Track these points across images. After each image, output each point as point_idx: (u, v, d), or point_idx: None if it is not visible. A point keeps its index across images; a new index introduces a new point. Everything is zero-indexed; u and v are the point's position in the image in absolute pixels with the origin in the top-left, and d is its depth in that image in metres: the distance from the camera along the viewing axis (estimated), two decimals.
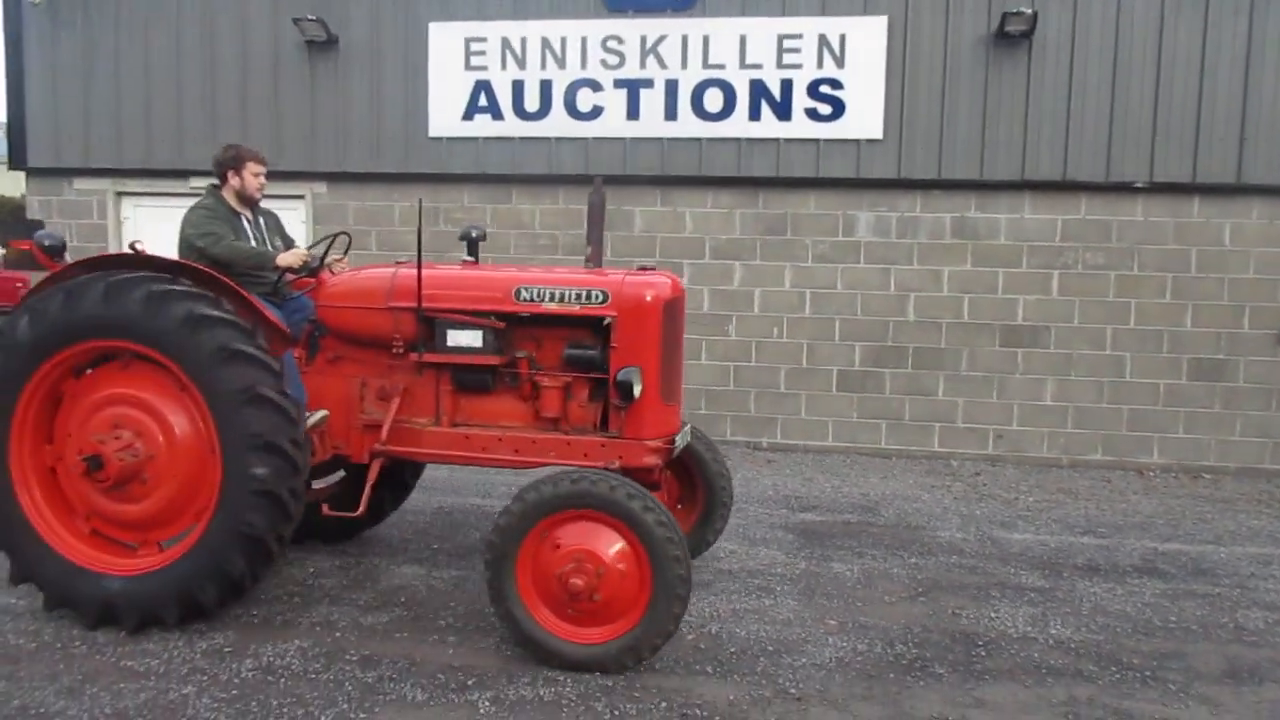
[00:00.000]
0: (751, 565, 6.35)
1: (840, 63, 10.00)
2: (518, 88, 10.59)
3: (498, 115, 10.66)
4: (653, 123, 10.41)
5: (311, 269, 5.59)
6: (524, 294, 5.21)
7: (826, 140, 10.10)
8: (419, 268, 5.12)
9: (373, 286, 5.40)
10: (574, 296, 5.16)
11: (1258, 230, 9.53)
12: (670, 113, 10.36)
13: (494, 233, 10.80)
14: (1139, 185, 9.61)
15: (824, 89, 10.04)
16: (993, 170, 9.85)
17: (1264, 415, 9.69)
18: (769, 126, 10.19)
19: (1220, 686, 4.76)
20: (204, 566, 4.89)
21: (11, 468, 5.09)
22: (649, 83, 10.36)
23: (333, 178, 11.15)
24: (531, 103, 10.58)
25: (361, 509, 5.30)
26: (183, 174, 11.41)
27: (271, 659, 4.79)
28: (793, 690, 4.55)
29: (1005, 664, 4.95)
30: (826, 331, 10.40)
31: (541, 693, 4.50)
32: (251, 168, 5.84)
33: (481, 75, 10.64)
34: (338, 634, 5.09)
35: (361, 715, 4.26)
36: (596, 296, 5.13)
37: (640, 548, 4.53)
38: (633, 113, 10.43)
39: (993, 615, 5.59)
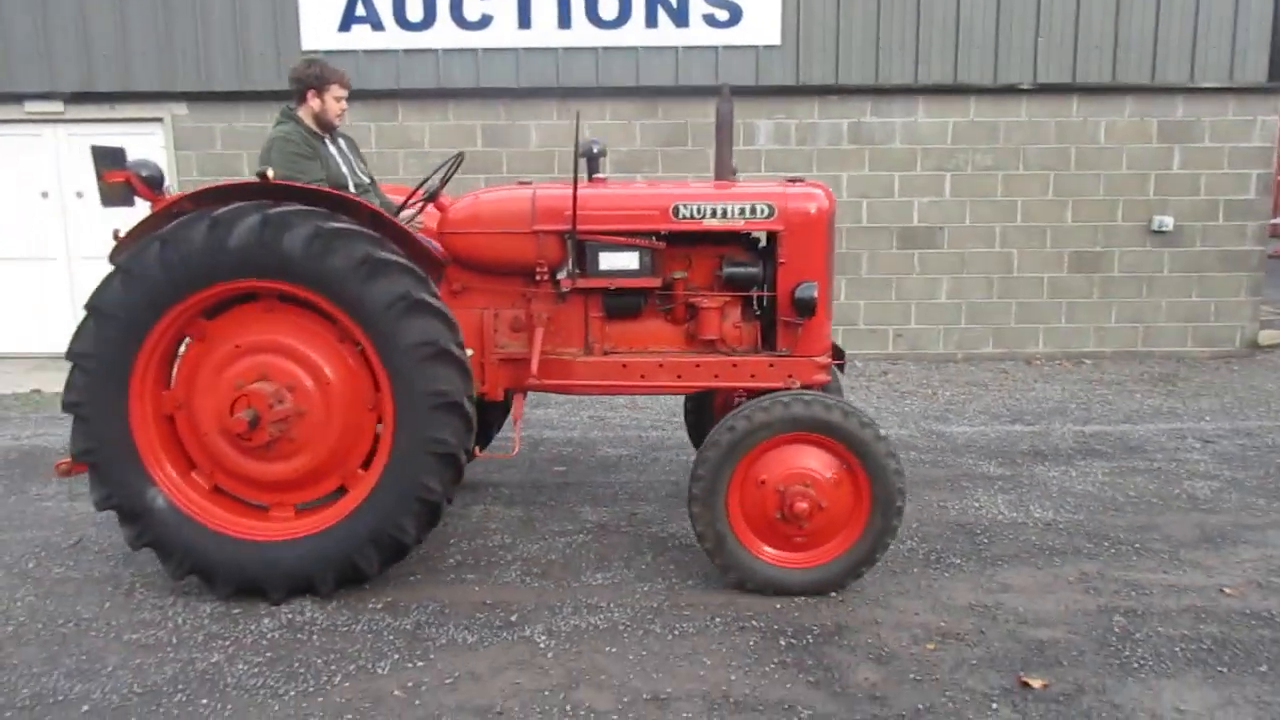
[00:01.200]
0: None
1: None
2: None
3: (378, 26, 10.00)
4: (545, 32, 10.01)
5: (431, 194, 5.13)
6: (683, 210, 4.89)
7: (725, 47, 10.00)
8: (574, 187, 4.73)
9: (513, 209, 4.95)
10: (737, 211, 4.90)
11: (1129, 127, 10.12)
12: (564, 21, 9.99)
13: (381, 152, 10.23)
14: (1025, 87, 10.00)
15: None
16: (888, 75, 10.02)
17: (1136, 302, 10.44)
18: (666, 34, 9.99)
19: (1202, 551, 5.16)
20: (369, 531, 4.51)
21: (132, 416, 4.50)
22: None
23: (194, 98, 10.23)
24: (414, 12, 9.97)
25: (516, 449, 4.98)
26: (14, 98, 10.20)
27: (290, 615, 4.48)
28: (834, 593, 4.62)
29: (1010, 549, 5.19)
30: None
31: (592, 620, 4.40)
32: (335, 90, 5.37)
33: None
34: None
35: (419, 664, 4.05)
36: (762, 210, 4.90)
37: (859, 464, 4.49)
38: (524, 21, 10.00)
39: (976, 505, 5.85)
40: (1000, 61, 9.96)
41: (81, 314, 4.53)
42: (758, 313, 5.15)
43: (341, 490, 4.69)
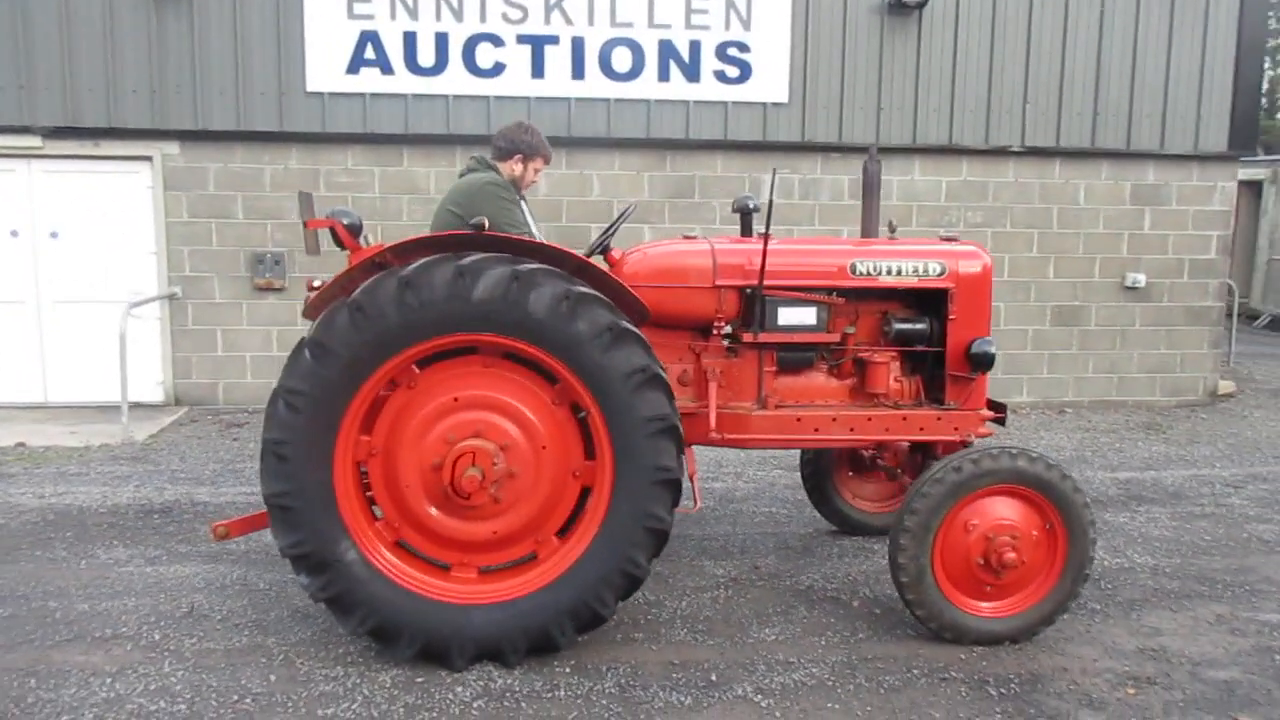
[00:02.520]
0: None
1: (746, 25, 10.11)
2: (409, 39, 9.80)
3: (387, 69, 9.82)
4: (559, 81, 10.03)
5: (603, 248, 5.04)
6: (860, 268, 5.05)
7: (734, 103, 10.22)
8: (765, 244, 4.73)
9: (696, 264, 4.99)
10: (911, 270, 5.06)
11: (1106, 190, 10.78)
12: (577, 71, 10.02)
13: (385, 196, 10.02)
14: (1014, 149, 10.55)
15: (731, 51, 10.13)
16: (887, 135, 10.41)
17: (1110, 353, 11.05)
18: (678, 88, 10.14)
19: None
20: (569, 602, 4.38)
21: (336, 460, 4.28)
22: (554, 39, 9.96)
23: (187, 136, 9.80)
24: (426, 56, 9.84)
25: (697, 503, 4.87)
26: None
27: (480, 682, 4.30)
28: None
29: (1136, 594, 5.42)
30: None
31: (794, 678, 4.39)
32: (539, 163, 5.40)
33: (367, 25, 9.74)
34: None
35: None
36: (934, 269, 5.09)
37: (1062, 526, 4.64)
38: (537, 71, 9.99)
39: None
40: (991, 125, 10.49)
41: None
42: (921, 368, 5.29)
43: (531, 556, 4.55)
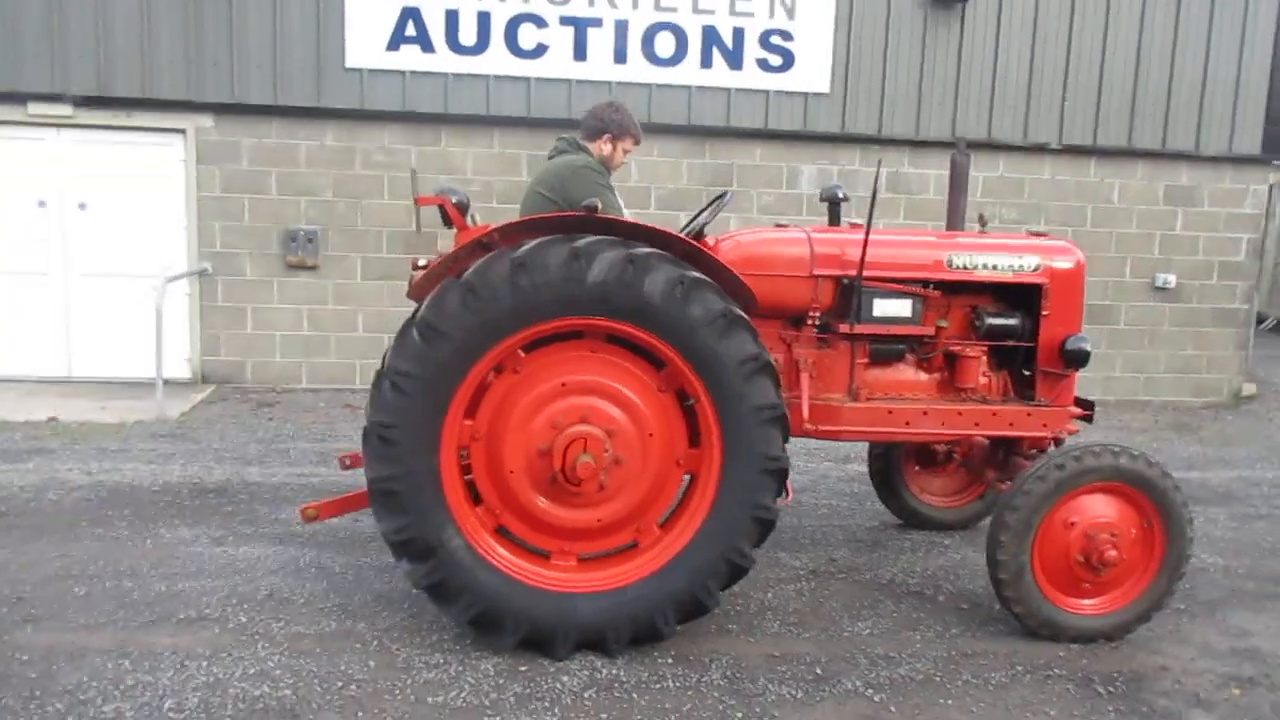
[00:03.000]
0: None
1: (790, 13, 10.04)
2: (451, 18, 9.66)
3: (428, 47, 9.68)
4: (601, 65, 9.92)
5: (698, 232, 4.96)
6: (956, 261, 5.01)
7: (776, 92, 10.15)
8: (866, 234, 4.67)
9: (793, 254, 4.94)
10: (1006, 264, 5.01)
11: (1140, 189, 10.80)
12: (620, 55, 9.92)
13: (421, 176, 9.84)
14: (1052, 147, 10.54)
15: (774, 40, 10.06)
16: (927, 129, 10.38)
17: (1139, 353, 11.09)
18: (720, 75, 10.06)
19: None
20: (675, 591, 4.34)
21: (443, 444, 4.21)
22: (597, 22, 9.85)
23: (222, 109, 9.63)
24: (467, 35, 9.70)
25: (789, 495, 4.76)
26: (18, 98, 9.36)
27: (585, 672, 4.24)
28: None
29: (1214, 593, 5.43)
30: None
31: (900, 672, 4.36)
32: (628, 143, 5.28)
33: (409, 1, 9.58)
34: None
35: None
36: (1029, 264, 5.06)
37: (1160, 525, 4.63)
38: (579, 53, 9.88)
39: None
40: (1030, 122, 10.48)
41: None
42: (1009, 363, 5.26)
43: (631, 544, 4.49)
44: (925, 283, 5.05)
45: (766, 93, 10.14)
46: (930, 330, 5.08)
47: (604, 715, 3.91)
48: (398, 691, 4.03)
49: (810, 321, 4.96)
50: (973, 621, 4.92)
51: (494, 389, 4.32)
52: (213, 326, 9.96)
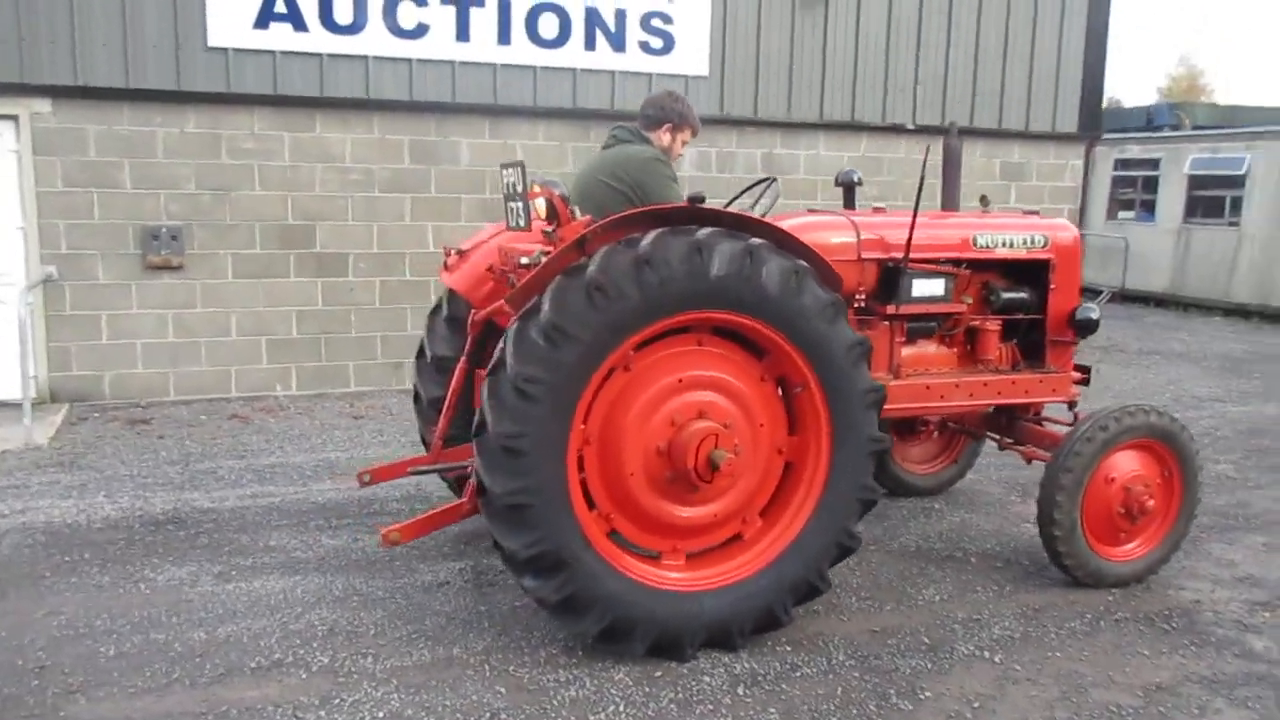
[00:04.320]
0: None
1: None
2: None
3: (300, 25, 9.00)
4: (484, 46, 9.58)
5: None
6: (980, 240, 5.24)
7: (658, 74, 10.17)
8: (913, 218, 4.70)
9: (838, 238, 5.02)
10: (1021, 241, 5.27)
11: (981, 165, 11.69)
12: (503, 36, 9.62)
13: (295, 165, 9.21)
14: (908, 127, 11.22)
15: (655, 22, 10.08)
16: (798, 111, 10.76)
17: None
18: (604, 57, 9.98)
19: None
20: (792, 579, 4.34)
21: (570, 450, 3.99)
22: (480, 1, 9.49)
23: (63, 93, 8.54)
24: (343, 13, 9.10)
25: None
26: None
27: (722, 669, 4.19)
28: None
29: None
30: None
31: (1000, 632, 4.60)
32: (686, 136, 5.11)
33: None
34: None
35: (905, 705, 4.02)
36: (1039, 241, 5.38)
37: (1179, 474, 5.09)
38: (462, 34, 9.50)
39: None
40: (888, 104, 11.09)
41: None
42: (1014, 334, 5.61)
43: (736, 536, 4.45)
44: (956, 262, 5.30)
45: (649, 75, 10.14)
46: (961, 308, 5.35)
47: (772, 710, 3.89)
48: (554, 715, 3.82)
49: (856, 304, 5.09)
50: (1017, 578, 5.24)
51: (606, 390, 4.15)
52: (60, 338, 8.83)
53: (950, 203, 5.85)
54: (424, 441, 5.60)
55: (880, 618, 4.74)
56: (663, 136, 5.09)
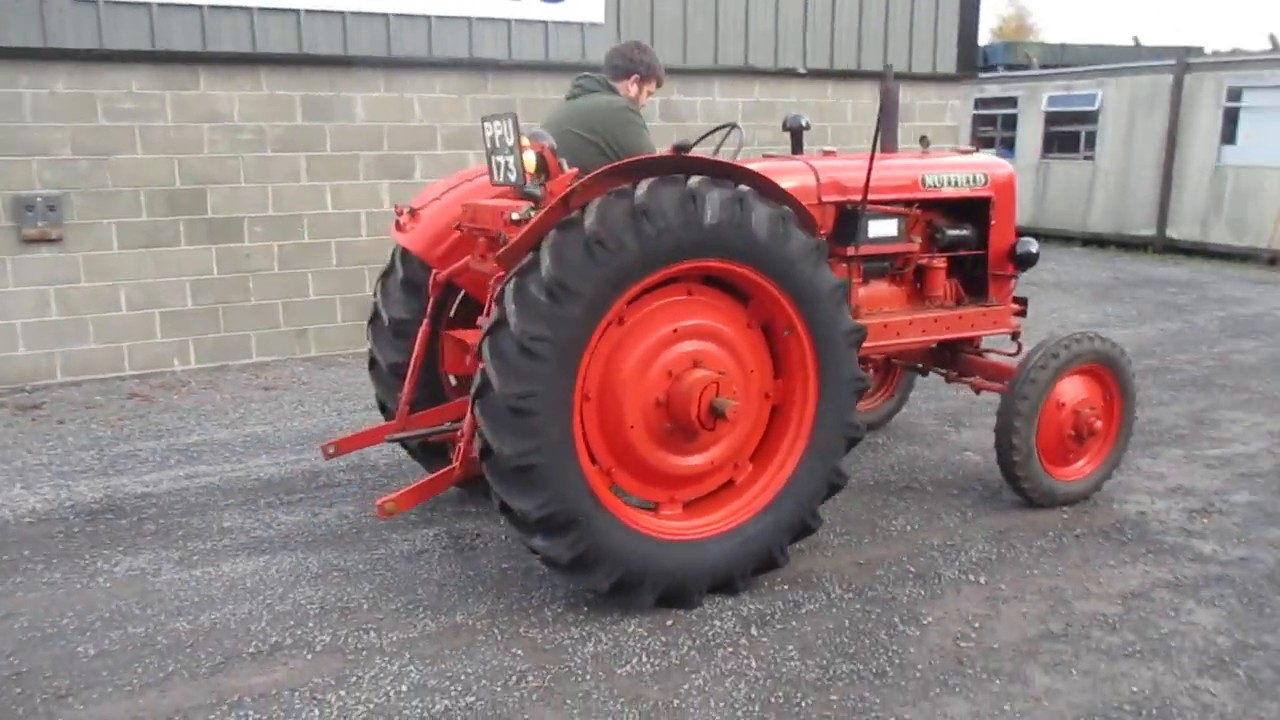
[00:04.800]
0: None
1: None
2: None
3: None
4: None
5: None
6: (929, 180, 5.31)
7: (554, 22, 9.99)
8: (871, 160, 4.72)
9: (799, 182, 4.98)
10: (965, 180, 5.36)
11: (866, 108, 11.96)
12: None
13: (180, 125, 8.68)
14: (799, 71, 11.36)
15: None
16: (694, 58, 10.75)
17: None
18: (500, 5, 9.71)
19: None
20: (787, 520, 4.45)
21: (575, 406, 3.92)
22: None
23: None
24: None
25: None
26: None
27: (730, 613, 4.26)
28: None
29: None
30: None
31: (975, 555, 4.82)
32: (652, 87, 5.06)
33: None
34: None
35: (912, 631, 4.19)
36: (979, 179, 5.47)
37: (1119, 394, 5.38)
38: None
39: None
40: (779, 50, 11.20)
41: None
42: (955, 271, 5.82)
43: (729, 482, 4.50)
44: (907, 202, 5.44)
45: (545, 23, 9.93)
46: (914, 247, 5.49)
47: (789, 646, 3.99)
48: (580, 673, 3.81)
49: None
50: (976, 504, 5.49)
51: (603, 344, 4.11)
52: None
53: (889, 145, 5.96)
54: (382, 408, 5.43)
55: (861, 550, 4.89)
56: (630, 87, 5.03)
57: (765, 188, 4.36)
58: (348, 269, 9.51)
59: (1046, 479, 5.31)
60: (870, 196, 5.18)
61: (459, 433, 4.56)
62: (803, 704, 3.59)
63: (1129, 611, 4.26)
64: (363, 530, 5.19)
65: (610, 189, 4.01)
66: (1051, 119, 17.48)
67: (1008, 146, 18.39)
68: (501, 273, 4.26)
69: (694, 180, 4.07)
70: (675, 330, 4.21)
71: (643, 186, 3.97)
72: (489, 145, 4.43)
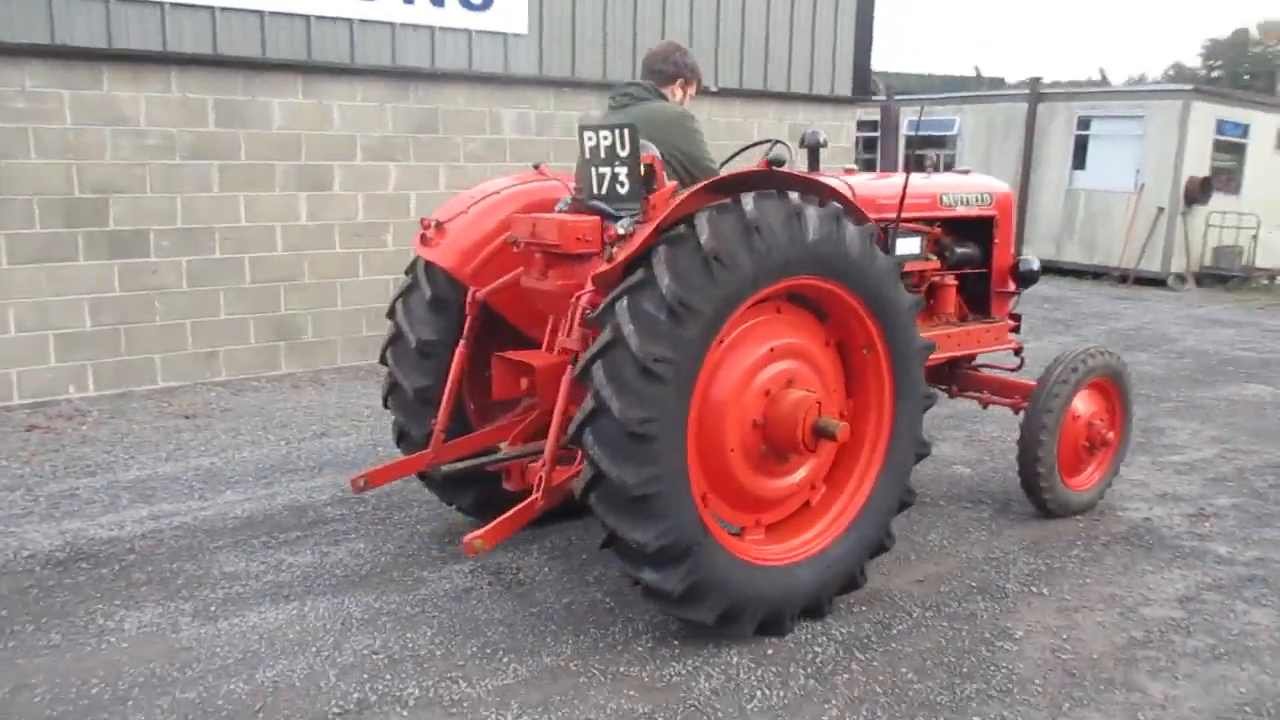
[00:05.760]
0: None
1: None
2: None
3: None
4: None
5: None
6: (946, 199, 5.24)
7: (478, 31, 9.68)
8: (907, 177, 4.64)
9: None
10: (975, 199, 5.32)
11: (770, 127, 12.14)
12: None
13: (79, 128, 7.91)
14: (711, 90, 11.40)
15: None
16: (613, 72, 10.63)
17: None
18: (423, 12, 9.33)
19: None
20: (867, 541, 4.39)
21: (689, 430, 3.73)
22: None
23: None
24: None
25: None
26: None
27: (823, 637, 4.16)
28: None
29: None
30: None
31: (1024, 569, 4.90)
32: (694, 89, 4.88)
33: None
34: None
35: (1009, 646, 4.23)
36: (986, 198, 5.45)
37: (1121, 406, 5.54)
38: None
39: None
40: None
41: None
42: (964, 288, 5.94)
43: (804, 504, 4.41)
44: (927, 221, 5.51)
45: (469, 32, 9.61)
46: (935, 264, 5.56)
47: (903, 668, 3.94)
48: (710, 711, 3.62)
49: None
50: (993, 517, 5.59)
51: (706, 364, 3.94)
52: None
53: (889, 163, 6.05)
54: (401, 437, 5.04)
55: (915, 567, 4.89)
56: (676, 91, 4.85)
57: (848, 206, 4.31)
58: (262, 286, 8.87)
59: (1064, 490, 5.47)
60: (905, 214, 5.24)
61: (534, 461, 4.27)
62: None
63: (1191, 615, 4.42)
64: (386, 569, 4.80)
65: (707, 204, 3.86)
66: (911, 143, 18.29)
67: (870, 168, 19.10)
68: (572, 289, 4.09)
69: (793, 196, 3.97)
70: (771, 349, 4.08)
71: (748, 201, 3.83)
72: (589, 155, 4.18)
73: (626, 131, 3.90)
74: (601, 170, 4.12)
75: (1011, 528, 5.41)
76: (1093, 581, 4.74)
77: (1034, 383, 5.59)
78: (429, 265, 4.84)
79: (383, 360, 5.03)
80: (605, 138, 4.02)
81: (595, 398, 3.66)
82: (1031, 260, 5.94)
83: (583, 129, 4.15)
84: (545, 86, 10.26)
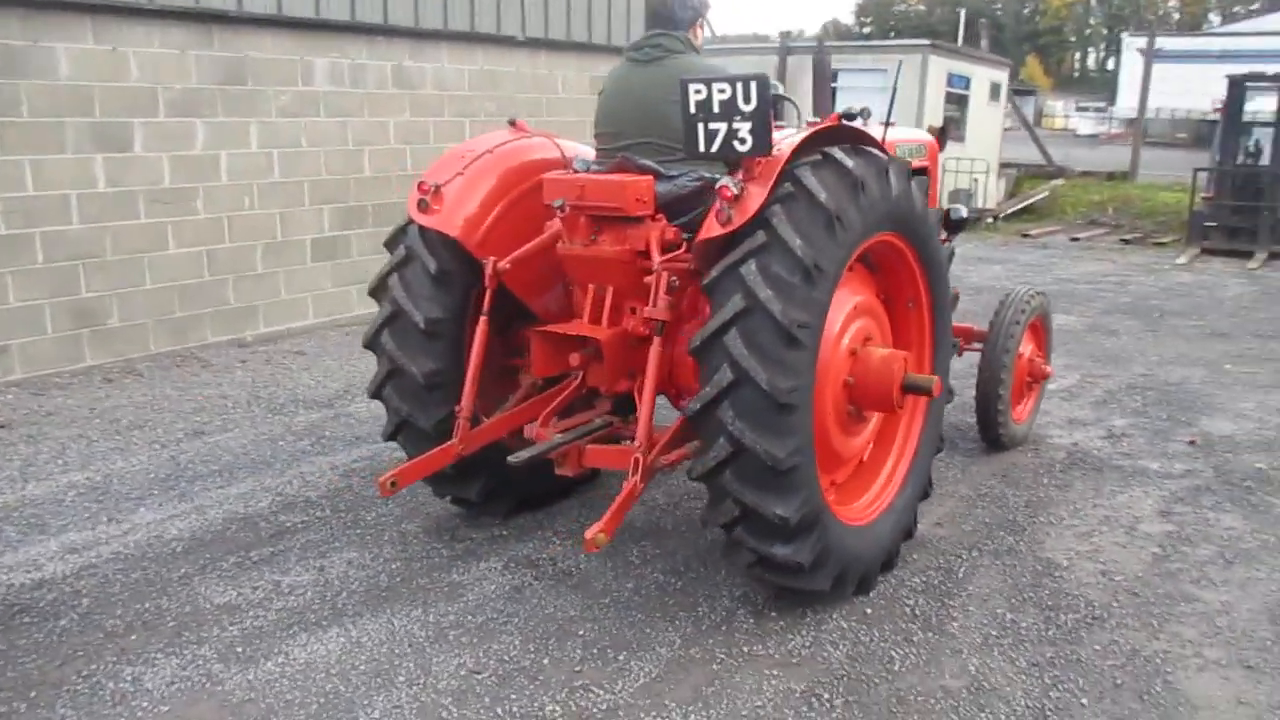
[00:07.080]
0: None
1: None
2: None
3: None
4: None
5: None
6: (901, 150, 5.20)
7: None
8: (885, 130, 4.53)
9: None
10: (917, 150, 5.41)
11: (574, 79, 11.90)
12: None
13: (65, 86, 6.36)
14: (519, 39, 10.99)
15: None
16: (425, 19, 9.95)
17: None
18: None
19: None
20: (920, 485, 4.45)
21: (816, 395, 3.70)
22: None
23: None
24: None
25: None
26: None
27: (891, 591, 4.20)
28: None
29: None
30: (297, 197, 9.22)
31: (1041, 530, 5.17)
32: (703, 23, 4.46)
33: None
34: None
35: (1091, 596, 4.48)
36: (923, 150, 5.59)
37: (1045, 338, 6.00)
38: None
39: None
40: (501, 16, 10.74)
41: None
42: None
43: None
44: None
45: None
46: None
47: (998, 609, 4.03)
48: (867, 680, 3.55)
49: None
50: (949, 455, 5.80)
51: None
52: None
53: (823, 113, 6.08)
54: (399, 429, 4.49)
55: (926, 513, 4.98)
56: (697, 33, 4.55)
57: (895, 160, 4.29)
58: (58, 265, 7.57)
59: (1012, 423, 5.83)
60: None
61: (630, 443, 3.92)
62: (1099, 665, 3.66)
63: (1181, 528, 4.87)
64: (408, 578, 4.29)
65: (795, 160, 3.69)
66: None
67: None
68: (628, 255, 4.00)
69: (875, 151, 3.90)
70: (855, 307, 4.01)
71: (845, 157, 3.71)
72: (695, 110, 3.77)
73: (755, 84, 3.60)
74: (713, 126, 3.78)
75: (974, 464, 5.69)
76: (1084, 507, 5.10)
77: (974, 326, 5.89)
78: (428, 234, 4.31)
79: (372, 346, 4.44)
80: (722, 91, 3.67)
81: (734, 369, 3.42)
82: (960, 209, 6.20)
83: (686, 82, 3.75)
84: (358, 34, 9.42)
